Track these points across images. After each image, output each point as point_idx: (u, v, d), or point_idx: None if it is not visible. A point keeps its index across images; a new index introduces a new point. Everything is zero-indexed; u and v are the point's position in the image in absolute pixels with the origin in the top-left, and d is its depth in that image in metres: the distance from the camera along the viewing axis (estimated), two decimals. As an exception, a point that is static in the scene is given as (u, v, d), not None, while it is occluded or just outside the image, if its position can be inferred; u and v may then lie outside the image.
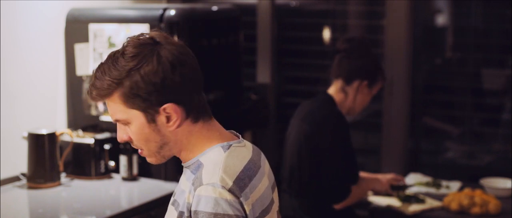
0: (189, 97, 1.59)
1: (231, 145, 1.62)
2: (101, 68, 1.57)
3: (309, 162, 2.82)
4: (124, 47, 1.57)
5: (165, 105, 1.55)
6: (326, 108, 2.88)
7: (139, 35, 1.59)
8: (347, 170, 2.89)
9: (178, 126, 1.59)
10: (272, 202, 1.68)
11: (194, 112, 1.60)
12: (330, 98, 2.90)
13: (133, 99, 1.55)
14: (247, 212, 1.55)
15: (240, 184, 1.55)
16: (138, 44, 1.56)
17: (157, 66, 1.53)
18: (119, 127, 1.63)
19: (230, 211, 1.51)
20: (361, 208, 3.15)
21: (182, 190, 1.61)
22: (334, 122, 2.86)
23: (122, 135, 1.63)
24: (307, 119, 2.87)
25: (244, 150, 1.65)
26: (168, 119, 1.57)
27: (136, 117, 1.57)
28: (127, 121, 1.58)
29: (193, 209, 1.53)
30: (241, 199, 1.54)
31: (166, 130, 1.59)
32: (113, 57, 1.56)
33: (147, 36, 1.59)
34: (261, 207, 1.61)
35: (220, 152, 1.60)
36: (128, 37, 1.59)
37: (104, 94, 1.56)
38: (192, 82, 1.58)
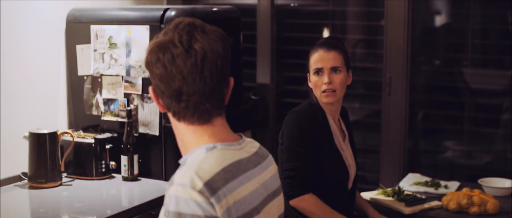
0: (163, 95, 1.65)
1: (216, 146, 1.63)
2: None
3: (280, 160, 2.80)
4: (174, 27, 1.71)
5: (150, 86, 1.68)
6: (298, 106, 2.86)
7: (174, 23, 1.67)
8: (309, 169, 2.73)
9: (163, 109, 1.68)
10: (256, 210, 1.65)
11: (172, 111, 1.66)
12: (311, 99, 2.86)
13: None
14: (219, 214, 1.54)
15: (212, 186, 1.55)
16: (167, 29, 1.67)
17: (150, 49, 1.64)
18: None
19: (199, 212, 1.51)
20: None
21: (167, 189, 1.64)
22: (295, 117, 2.80)
23: None
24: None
25: (230, 153, 1.65)
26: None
27: None
28: None
29: (167, 208, 1.56)
30: (211, 200, 1.53)
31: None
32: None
33: (168, 30, 1.66)
34: (240, 211, 1.59)
35: (202, 153, 1.61)
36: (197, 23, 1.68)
37: None
38: (171, 86, 1.62)
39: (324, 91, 2.76)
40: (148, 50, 1.65)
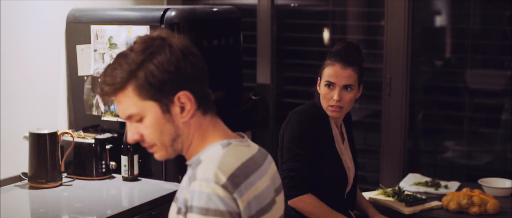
0: (200, 86, 1.61)
1: (230, 142, 1.64)
2: (111, 66, 1.60)
3: (279, 161, 2.80)
4: (132, 45, 1.61)
5: (179, 94, 1.58)
6: (301, 107, 2.84)
7: (144, 35, 1.63)
8: (308, 170, 2.72)
9: (192, 116, 1.61)
10: (272, 202, 1.69)
11: (204, 103, 1.62)
12: (315, 100, 2.85)
13: (148, 89, 1.56)
14: (241, 208, 1.56)
15: (235, 181, 1.56)
16: (147, 39, 1.59)
17: (170, 56, 1.56)
18: (130, 126, 1.63)
19: (222, 207, 1.52)
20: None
21: (182, 187, 1.64)
22: (297, 118, 2.79)
23: (133, 134, 1.63)
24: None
25: (244, 149, 1.67)
26: (182, 108, 1.59)
27: (151, 108, 1.59)
28: (141, 115, 1.59)
29: (188, 204, 1.55)
30: (234, 195, 1.55)
31: (179, 121, 1.61)
32: (122, 55, 1.60)
33: (153, 34, 1.63)
34: (258, 205, 1.62)
35: (219, 149, 1.62)
36: (135, 37, 1.63)
37: (117, 88, 1.58)
38: (200, 72, 1.61)
39: (331, 106, 2.74)
40: (175, 57, 1.57)
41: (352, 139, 2.97)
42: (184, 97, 1.58)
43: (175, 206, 1.63)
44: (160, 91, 1.57)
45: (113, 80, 1.58)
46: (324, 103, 2.77)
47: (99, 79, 1.63)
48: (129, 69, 1.56)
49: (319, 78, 2.79)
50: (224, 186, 1.54)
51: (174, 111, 1.59)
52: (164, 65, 1.55)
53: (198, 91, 1.60)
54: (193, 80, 1.59)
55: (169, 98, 1.58)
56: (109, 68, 1.59)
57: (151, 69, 1.55)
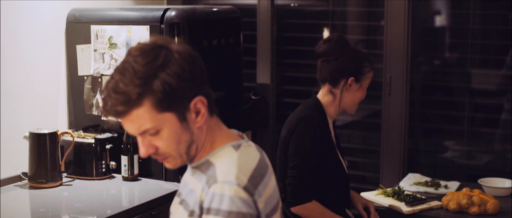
0: (208, 88, 1.60)
1: (241, 144, 1.64)
2: (115, 84, 1.50)
3: (284, 166, 2.80)
4: (128, 58, 1.52)
5: (195, 100, 1.55)
6: (305, 112, 2.82)
7: (139, 45, 1.55)
8: (318, 175, 2.74)
9: (205, 120, 1.59)
10: (279, 200, 1.70)
11: (211, 105, 1.61)
12: (315, 103, 2.82)
13: (166, 100, 1.51)
14: (260, 209, 1.57)
15: (254, 182, 1.57)
16: (148, 49, 1.52)
17: (182, 62, 1.52)
18: (143, 141, 1.57)
19: (244, 209, 1.52)
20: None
21: (191, 190, 1.63)
22: (305, 125, 2.77)
23: (147, 149, 1.57)
24: (286, 124, 2.84)
25: (252, 149, 1.67)
26: (197, 113, 1.57)
27: (168, 119, 1.54)
28: (157, 128, 1.53)
29: (205, 206, 1.54)
30: (255, 197, 1.56)
31: (194, 127, 1.58)
32: (124, 69, 1.51)
33: (148, 42, 1.56)
34: (271, 204, 1.63)
35: (232, 151, 1.62)
36: (129, 49, 1.55)
37: (133, 105, 1.50)
38: (205, 74, 1.59)
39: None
40: (187, 63, 1.52)
41: (338, 138, 2.97)
42: (199, 102, 1.56)
43: (185, 210, 1.62)
44: (178, 101, 1.53)
45: (127, 97, 1.49)
46: (353, 107, 2.86)
47: (104, 101, 1.53)
48: (142, 83, 1.49)
49: (352, 78, 2.80)
50: (245, 188, 1.54)
51: (190, 117, 1.56)
52: (179, 73, 1.51)
53: (207, 93, 1.59)
54: (203, 83, 1.57)
55: (186, 106, 1.54)
56: (114, 87, 1.50)
57: (167, 79, 1.50)
